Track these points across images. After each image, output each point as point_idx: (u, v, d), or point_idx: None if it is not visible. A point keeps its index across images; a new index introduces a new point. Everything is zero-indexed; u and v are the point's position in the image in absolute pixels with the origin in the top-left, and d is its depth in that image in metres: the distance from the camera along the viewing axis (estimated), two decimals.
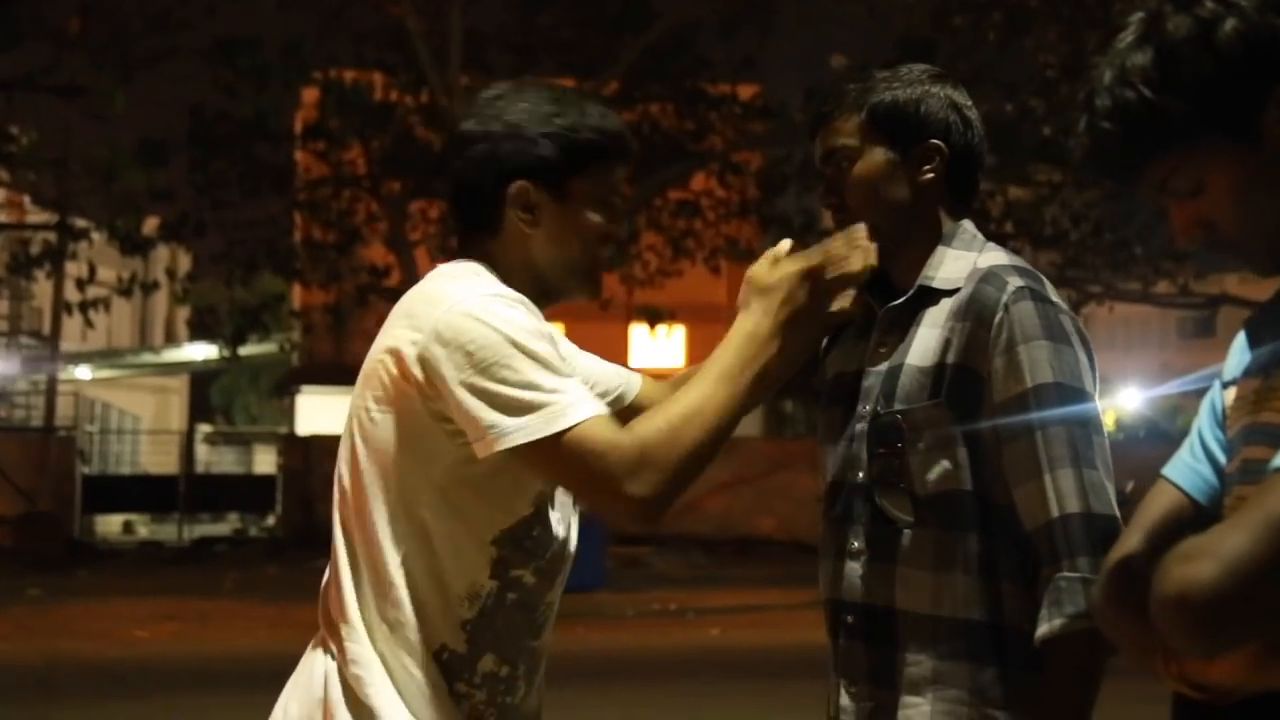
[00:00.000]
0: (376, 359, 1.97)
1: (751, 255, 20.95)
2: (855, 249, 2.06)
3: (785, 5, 17.66)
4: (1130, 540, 1.52)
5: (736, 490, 20.02)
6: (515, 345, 1.87)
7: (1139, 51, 1.44)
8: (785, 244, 2.07)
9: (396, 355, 1.93)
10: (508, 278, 2.01)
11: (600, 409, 1.89)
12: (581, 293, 2.09)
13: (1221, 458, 1.52)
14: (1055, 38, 15.29)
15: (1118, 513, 1.92)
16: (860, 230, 2.07)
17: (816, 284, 2.02)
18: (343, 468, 2.01)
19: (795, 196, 18.94)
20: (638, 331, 21.55)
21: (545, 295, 2.05)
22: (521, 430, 1.85)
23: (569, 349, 2.26)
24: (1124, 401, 31.62)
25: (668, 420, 1.89)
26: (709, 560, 18.40)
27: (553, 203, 2.02)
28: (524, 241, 2.03)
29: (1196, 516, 1.50)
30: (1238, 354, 1.55)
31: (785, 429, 27.47)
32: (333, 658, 1.97)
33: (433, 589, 1.94)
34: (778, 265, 2.02)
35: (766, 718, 7.50)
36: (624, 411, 2.29)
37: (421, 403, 1.91)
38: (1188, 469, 1.55)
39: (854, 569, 2.08)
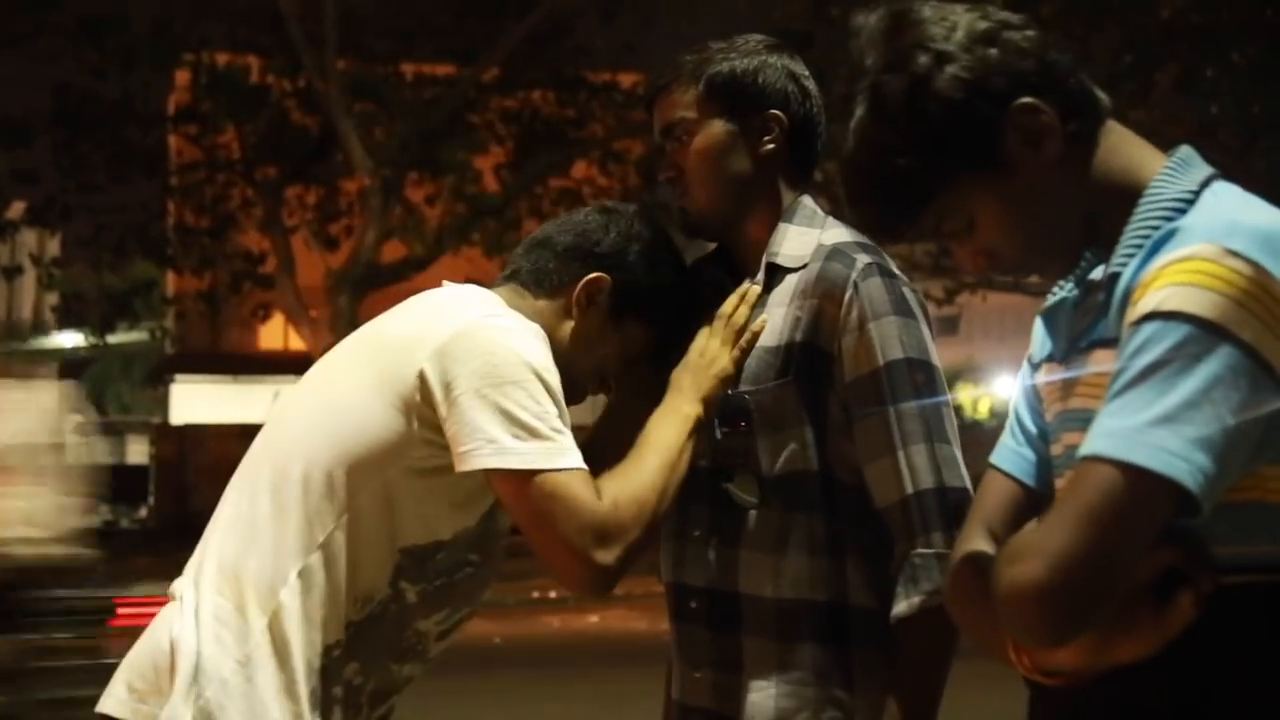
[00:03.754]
0: (384, 346, 1.92)
1: None
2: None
3: None
4: (971, 534, 1.54)
5: None
6: (535, 372, 1.85)
7: (871, 121, 1.47)
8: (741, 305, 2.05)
9: (407, 350, 1.87)
10: None
11: (583, 465, 1.85)
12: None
13: (1034, 431, 1.56)
14: None
15: (969, 485, 1.93)
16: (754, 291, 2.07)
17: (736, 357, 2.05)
18: (294, 428, 1.94)
19: None
20: None
21: None
22: (519, 455, 1.81)
23: None
24: (998, 389, 32.24)
25: (640, 494, 1.87)
26: None
27: (606, 315, 2.06)
28: (560, 320, 2.05)
29: (1030, 500, 1.53)
30: (1039, 339, 1.59)
31: None
32: (190, 636, 1.86)
33: (342, 580, 1.87)
34: (711, 344, 2.04)
35: (642, 702, 7.51)
36: None
37: (415, 402, 1.85)
38: (1013, 454, 1.58)
39: (696, 552, 2.05)
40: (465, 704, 7.45)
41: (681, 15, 16.56)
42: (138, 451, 29.26)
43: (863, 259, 1.99)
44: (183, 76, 18.67)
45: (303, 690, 1.84)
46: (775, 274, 2.06)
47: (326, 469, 1.88)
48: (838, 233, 2.06)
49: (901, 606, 1.91)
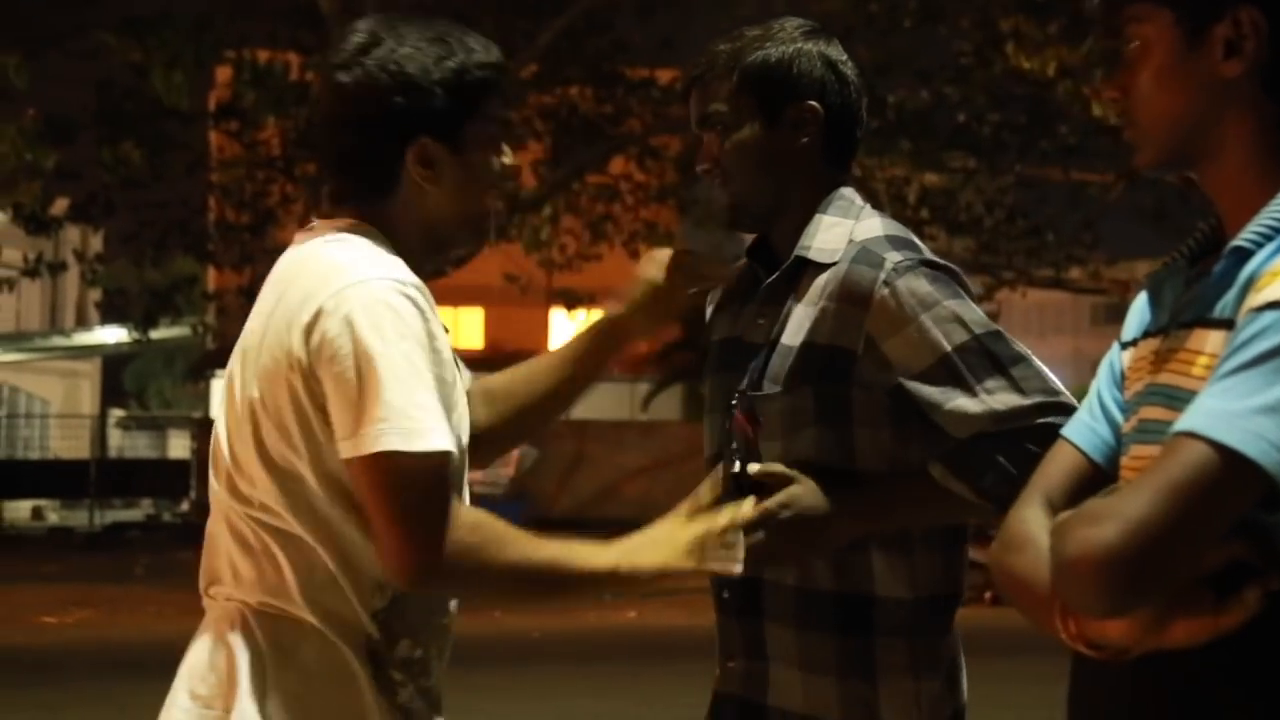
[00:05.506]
0: (268, 342, 1.84)
1: (670, 239, 21.08)
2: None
3: None
4: (1029, 498, 1.52)
5: (655, 474, 20.05)
6: (416, 345, 1.76)
7: None
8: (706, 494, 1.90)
9: (286, 340, 1.80)
10: (403, 238, 1.89)
11: (446, 446, 1.75)
12: (472, 243, 1.99)
13: (1119, 417, 1.53)
14: (968, 25, 15.45)
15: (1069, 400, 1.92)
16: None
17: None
18: (238, 449, 1.88)
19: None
20: (557, 315, 21.50)
21: (437, 249, 1.97)
22: (369, 439, 1.72)
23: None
24: None
25: (504, 554, 1.79)
26: None
27: (451, 155, 1.90)
28: (422, 199, 1.91)
29: (1094, 476, 1.51)
30: (1138, 314, 1.56)
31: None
32: (243, 635, 1.86)
33: (347, 579, 1.83)
34: (683, 534, 1.87)
35: (680, 698, 7.52)
36: None
37: (304, 388, 1.79)
38: (1086, 429, 1.56)
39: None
40: (503, 698, 7.47)
41: (719, 10, 16.53)
42: (179, 446, 29.47)
43: (893, 257, 1.96)
44: (223, 73, 18.78)
45: (362, 678, 1.83)
46: (807, 267, 2.03)
47: (267, 489, 1.84)
48: (871, 225, 2.03)
49: (936, 468, 1.95)
